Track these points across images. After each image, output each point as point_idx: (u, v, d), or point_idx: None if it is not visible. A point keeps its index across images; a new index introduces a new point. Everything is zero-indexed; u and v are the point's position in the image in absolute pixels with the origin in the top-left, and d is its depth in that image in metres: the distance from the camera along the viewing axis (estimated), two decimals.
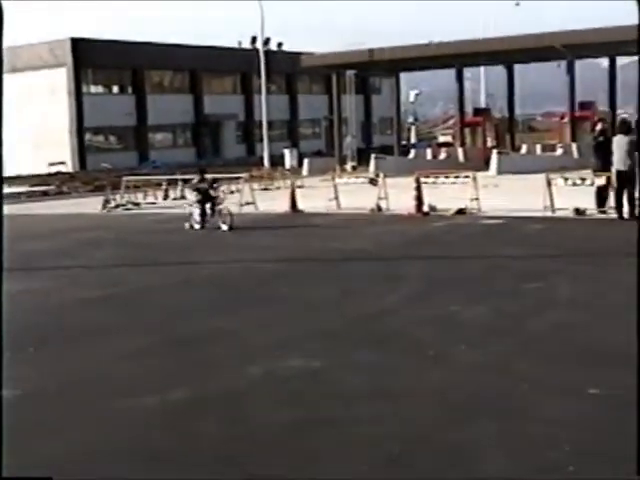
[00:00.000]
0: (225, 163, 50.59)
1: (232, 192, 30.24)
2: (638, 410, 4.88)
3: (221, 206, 20.77)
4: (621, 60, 57.29)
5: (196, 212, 20.82)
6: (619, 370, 7.79)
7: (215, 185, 21.34)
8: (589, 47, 43.12)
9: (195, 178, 22.01)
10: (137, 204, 29.18)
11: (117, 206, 28.40)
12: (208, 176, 22.04)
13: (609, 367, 7.92)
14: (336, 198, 24.38)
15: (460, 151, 46.24)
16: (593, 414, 6.73)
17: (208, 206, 20.73)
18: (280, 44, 70.30)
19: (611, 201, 19.82)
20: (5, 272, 4.78)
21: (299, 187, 28.71)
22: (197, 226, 20.69)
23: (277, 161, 49.13)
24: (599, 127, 22.05)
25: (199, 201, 20.90)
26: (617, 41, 42.12)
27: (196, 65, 63.10)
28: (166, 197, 31.63)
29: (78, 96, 57.69)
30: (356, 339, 9.49)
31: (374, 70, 58.45)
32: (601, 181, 20.10)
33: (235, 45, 68.61)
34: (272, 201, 26.32)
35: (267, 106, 51.57)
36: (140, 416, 7.01)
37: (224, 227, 20.17)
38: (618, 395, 7.08)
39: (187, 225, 20.83)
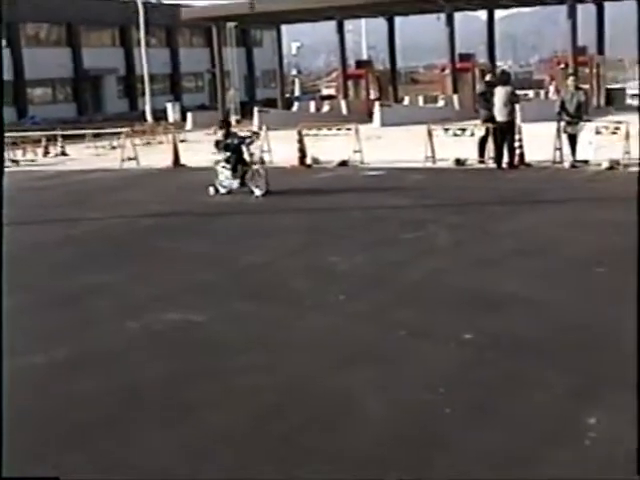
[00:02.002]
0: (107, 118, 49.59)
1: (114, 147, 29.77)
2: (638, 407, 5.02)
3: (256, 166, 17.43)
4: (500, 13, 58.21)
5: (224, 173, 17.49)
6: (493, 315, 8.05)
7: (247, 141, 17.79)
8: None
9: (218, 132, 18.49)
10: (16, 162, 28.37)
11: None
12: (246, 133, 18.95)
13: (484, 312, 8.14)
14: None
15: (343, 104, 46.38)
16: (467, 358, 6.91)
17: (239, 167, 17.36)
18: None
19: (490, 151, 20.24)
20: None
21: (182, 141, 28.44)
22: (224, 190, 17.42)
23: (160, 116, 48.38)
24: (488, 77, 22.38)
25: (227, 160, 17.45)
26: None
27: (73, 17, 61.41)
28: (46, 154, 30.88)
29: None
30: (235, 291, 9.52)
31: (255, 22, 57.97)
32: (482, 132, 20.48)
33: None
34: (155, 156, 25.99)
35: (148, 60, 50.65)
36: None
37: (257, 192, 16.90)
38: (492, 339, 7.30)
39: (211, 190, 17.49)
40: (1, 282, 4.55)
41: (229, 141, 17.57)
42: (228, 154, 17.35)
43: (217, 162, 17.68)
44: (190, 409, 6.07)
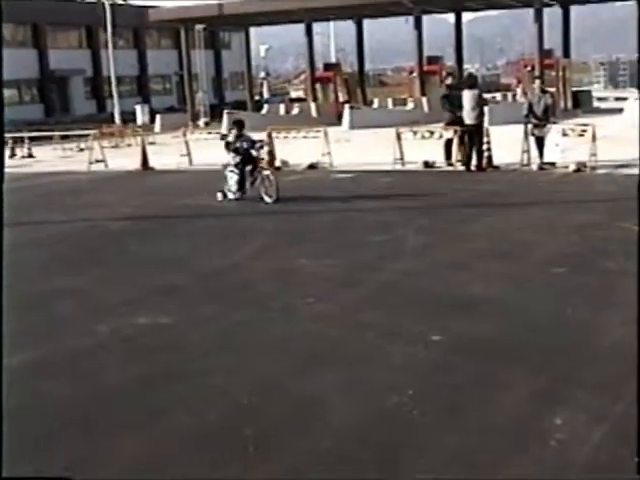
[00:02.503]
0: (75, 120, 49.26)
1: (81, 150, 29.62)
2: (638, 407, 5.05)
3: (266, 172, 16.49)
4: (467, 16, 58.54)
5: (233, 179, 16.59)
6: (461, 317, 8.10)
7: (258, 145, 16.79)
8: (435, 2, 43.83)
9: (230, 134, 17.39)
10: None
11: None
12: (258, 137, 17.73)
13: (451, 314, 8.19)
14: (188, 154, 24.18)
15: (313, 106, 46.41)
16: (435, 359, 6.95)
17: (248, 170, 16.52)
18: None
19: (457, 154, 20.37)
20: None
21: (151, 144, 28.36)
22: (232, 196, 16.59)
23: (129, 118, 48.19)
24: (448, 81, 22.52)
25: (237, 165, 16.52)
26: None
27: (39, 18, 60.96)
28: (13, 156, 30.65)
29: None
30: (203, 293, 9.51)
31: (224, 24, 57.89)
32: (449, 134, 20.60)
33: None
34: (123, 158, 25.88)
35: (115, 61, 50.40)
36: None
37: (267, 199, 15.95)
38: (459, 340, 7.35)
39: (219, 195, 16.77)
40: (1, 283, 4.53)
41: (239, 144, 16.57)
42: (238, 159, 16.48)
43: (226, 166, 16.81)
44: (159, 411, 6.06)
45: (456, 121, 20.16)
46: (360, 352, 7.20)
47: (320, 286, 9.57)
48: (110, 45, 50.33)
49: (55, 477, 5.10)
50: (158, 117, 45.85)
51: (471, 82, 21.69)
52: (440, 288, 9.31)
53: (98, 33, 61.97)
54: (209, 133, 27.92)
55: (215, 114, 46.67)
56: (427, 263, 10.62)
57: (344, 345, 7.43)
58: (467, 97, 20.03)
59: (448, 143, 20.66)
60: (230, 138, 16.82)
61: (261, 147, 16.80)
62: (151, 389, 6.54)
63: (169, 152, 25.57)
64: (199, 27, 50.64)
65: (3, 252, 4.60)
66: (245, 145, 16.50)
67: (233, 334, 7.88)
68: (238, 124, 17.08)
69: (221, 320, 8.37)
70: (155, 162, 24.08)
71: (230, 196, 16.56)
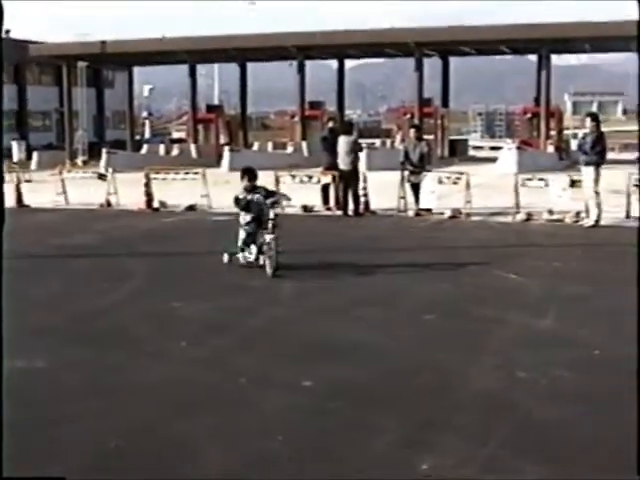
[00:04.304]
0: None
1: None
2: (638, 410, 5.06)
3: (269, 236, 12.58)
4: (350, 62, 59.56)
5: (241, 236, 13.15)
6: (333, 362, 8.14)
7: (273, 199, 13.04)
8: (318, 48, 44.45)
9: (242, 183, 13.31)
10: None
11: None
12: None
13: (324, 360, 8.23)
14: (64, 193, 23.76)
15: (193, 147, 46.31)
16: (306, 405, 6.95)
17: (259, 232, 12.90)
18: (8, 31, 67.38)
19: (333, 198, 20.66)
20: None
21: (27, 181, 27.68)
22: (243, 260, 13.07)
23: (4, 154, 47.10)
24: (329, 125, 22.83)
25: (249, 223, 13.05)
26: (344, 44, 43.77)
27: None
28: None
29: None
30: (77, 336, 9.31)
31: (107, 63, 57.44)
32: (327, 179, 20.83)
33: None
34: None
35: None
36: None
37: (268, 270, 12.44)
38: (330, 386, 7.38)
39: (225, 257, 13.19)
40: (1, 285, 4.62)
41: (251, 197, 13.01)
42: (249, 217, 13.03)
43: (242, 223, 13.24)
44: (21, 458, 5.88)
45: (334, 166, 20.42)
46: (232, 397, 7.16)
47: (193, 329, 9.50)
48: None
49: (44, 477, 5.15)
50: (35, 154, 44.91)
51: (346, 128, 22.05)
52: (314, 333, 9.35)
53: None
54: (85, 172, 27.55)
55: (94, 152, 46.05)
56: (302, 309, 10.65)
57: (216, 390, 7.37)
58: (342, 143, 20.32)
59: (325, 188, 20.92)
60: (242, 194, 13.11)
61: (276, 202, 12.96)
62: (17, 435, 6.33)
63: (45, 190, 25.01)
64: (81, 64, 50.06)
65: (3, 253, 4.65)
66: (259, 197, 12.95)
67: (105, 378, 7.73)
68: (248, 173, 13.27)
69: (94, 363, 8.20)
70: (30, 200, 23.55)
71: (242, 260, 13.07)
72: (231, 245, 13.22)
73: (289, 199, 13.75)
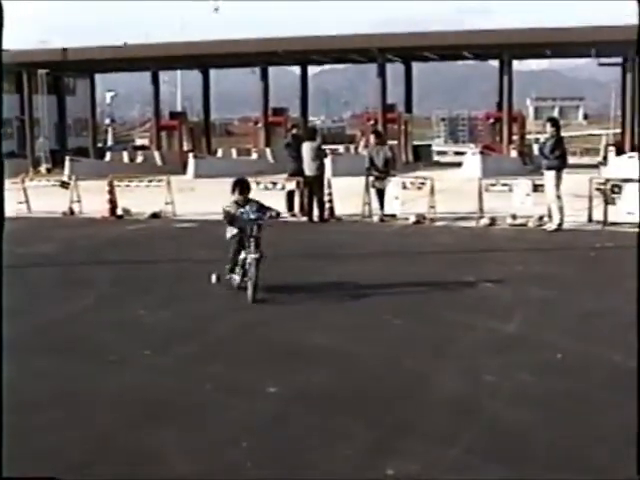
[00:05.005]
0: None
1: None
2: (639, 410, 5.06)
3: (252, 256, 11.31)
4: (314, 69, 59.59)
5: (231, 256, 11.78)
6: (299, 368, 8.13)
7: (269, 214, 11.80)
8: (280, 55, 44.43)
9: (233, 196, 11.84)
10: None
11: None
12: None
13: (290, 365, 8.21)
14: (26, 201, 23.55)
15: (157, 154, 46.10)
16: (270, 411, 6.94)
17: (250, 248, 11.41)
18: None
19: (298, 204, 20.64)
20: None
21: None
22: (235, 282, 11.69)
23: None
24: (293, 131, 22.83)
25: (233, 237, 11.81)
26: (307, 50, 43.80)
27: None
28: None
29: None
30: (40, 346, 9.21)
31: (68, 70, 57.03)
32: (292, 185, 20.81)
33: None
34: None
35: None
36: None
37: (249, 292, 11.19)
38: (295, 392, 7.37)
39: (214, 277, 11.81)
40: (1, 285, 4.66)
41: (242, 211, 11.64)
42: (235, 231, 11.74)
43: (227, 237, 11.98)
44: None
45: (299, 172, 20.42)
46: (197, 404, 7.12)
47: (157, 337, 9.44)
48: None
49: (44, 477, 5.14)
50: None
51: (310, 134, 22.08)
52: (281, 339, 9.32)
53: None
54: (48, 180, 27.36)
55: (57, 161, 45.70)
56: (268, 315, 10.62)
57: (181, 398, 7.33)
58: (307, 149, 20.33)
59: (290, 194, 20.90)
60: (230, 207, 11.74)
61: (259, 219, 11.60)
62: None
63: (7, 199, 24.77)
64: (42, 72, 49.69)
65: (3, 254, 4.67)
66: (251, 215, 11.58)
67: (68, 387, 7.65)
68: (240, 185, 11.89)
69: (57, 373, 8.12)
70: None
71: (232, 282, 11.71)
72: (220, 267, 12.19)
73: (279, 214, 12.61)
